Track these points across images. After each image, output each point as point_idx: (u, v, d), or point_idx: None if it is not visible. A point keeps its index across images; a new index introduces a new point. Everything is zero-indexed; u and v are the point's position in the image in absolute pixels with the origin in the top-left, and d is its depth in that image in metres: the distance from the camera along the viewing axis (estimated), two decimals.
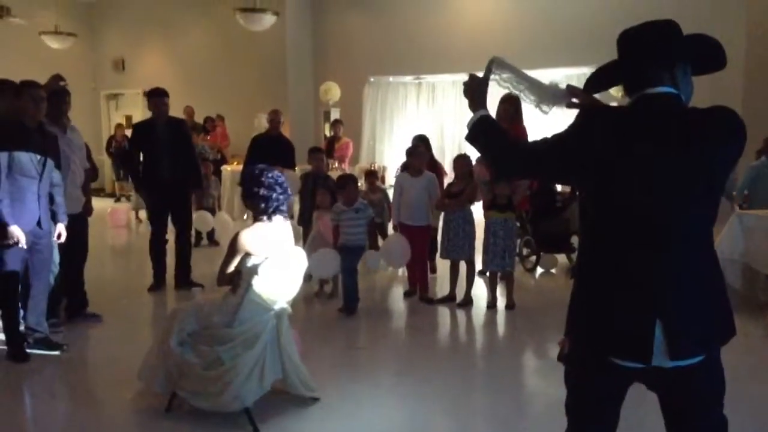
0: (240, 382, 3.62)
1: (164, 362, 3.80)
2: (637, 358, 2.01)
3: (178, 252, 6.79)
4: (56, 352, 4.93)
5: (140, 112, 14.97)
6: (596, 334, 2.08)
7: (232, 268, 3.83)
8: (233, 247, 3.81)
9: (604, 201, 2.06)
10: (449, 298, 6.41)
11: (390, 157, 12.38)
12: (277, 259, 3.79)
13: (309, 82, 13.56)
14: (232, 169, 11.35)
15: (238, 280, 3.82)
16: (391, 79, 12.87)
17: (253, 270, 3.75)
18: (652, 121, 2.02)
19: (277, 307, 3.84)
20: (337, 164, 10.33)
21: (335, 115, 13.05)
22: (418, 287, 6.53)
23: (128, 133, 14.09)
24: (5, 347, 4.89)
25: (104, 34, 15.79)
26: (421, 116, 12.72)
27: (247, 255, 3.79)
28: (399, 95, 12.95)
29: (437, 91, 12.66)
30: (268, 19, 10.94)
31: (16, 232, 4.56)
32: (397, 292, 6.89)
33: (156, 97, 6.63)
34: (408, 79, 12.78)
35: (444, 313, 6.22)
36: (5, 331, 4.86)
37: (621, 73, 2.17)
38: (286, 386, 3.96)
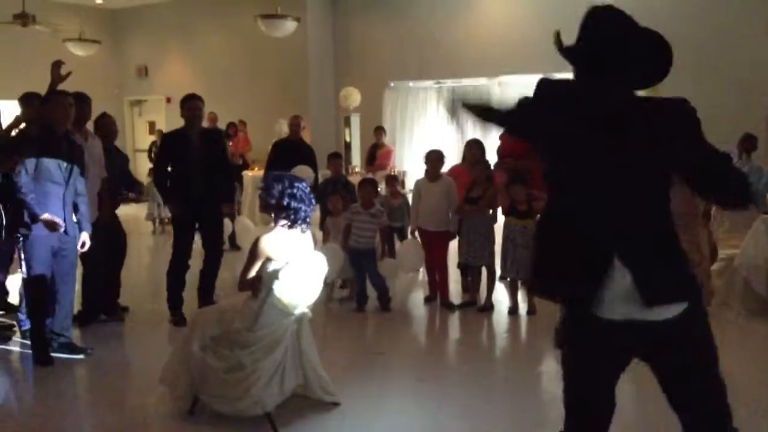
0: (261, 387, 3.64)
1: (186, 366, 3.83)
2: (592, 281, 2.09)
3: (205, 271, 6.04)
4: (80, 356, 4.98)
5: (163, 118, 15.14)
6: (552, 268, 2.22)
7: (253, 272, 3.85)
8: (254, 252, 3.83)
9: (560, 167, 2.23)
10: (470, 304, 6.40)
11: (410, 162, 12.38)
12: (297, 264, 3.80)
13: (329, 87, 13.61)
14: (253, 174, 11.42)
15: (259, 284, 3.84)
16: (411, 84, 12.88)
17: (274, 275, 3.77)
18: (604, 103, 2.15)
19: (297, 312, 3.86)
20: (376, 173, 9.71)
21: (355, 120, 13.08)
22: (439, 292, 6.52)
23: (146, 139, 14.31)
24: (29, 351, 4.96)
25: (128, 41, 15.98)
26: (442, 121, 12.70)
27: (268, 260, 3.82)
28: (419, 100, 12.95)
29: (457, 96, 12.63)
30: (290, 25, 11.01)
31: (51, 217, 4.63)
32: (417, 298, 6.89)
33: (190, 101, 5.93)
34: (428, 83, 12.78)
35: (465, 318, 6.20)
36: (32, 335, 4.92)
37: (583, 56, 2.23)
38: (306, 391, 3.98)
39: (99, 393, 4.58)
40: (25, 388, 4.69)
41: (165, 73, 15.53)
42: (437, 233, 6.40)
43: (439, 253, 6.45)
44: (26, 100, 5.42)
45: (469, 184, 6.37)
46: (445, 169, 6.63)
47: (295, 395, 3.91)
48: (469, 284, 6.57)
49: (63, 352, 4.95)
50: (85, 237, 5.00)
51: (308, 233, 4.00)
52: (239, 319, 3.85)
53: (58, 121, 4.75)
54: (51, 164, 4.67)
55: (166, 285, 6.02)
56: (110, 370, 4.90)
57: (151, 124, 15.16)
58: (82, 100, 5.42)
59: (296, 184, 3.88)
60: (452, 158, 8.61)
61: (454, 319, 6.22)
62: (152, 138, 13.98)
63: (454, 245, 6.67)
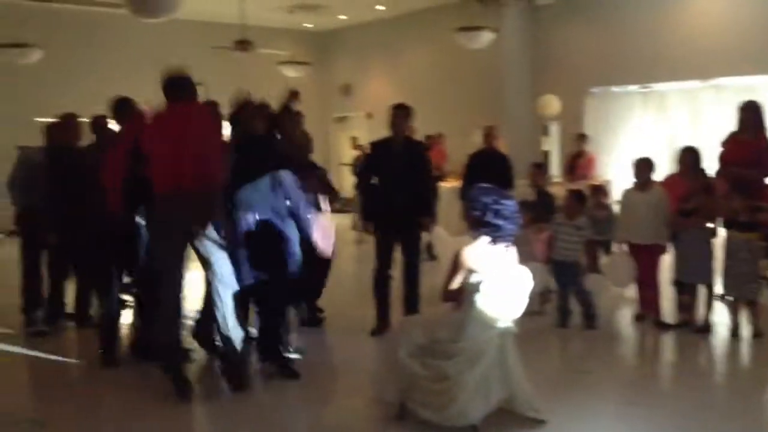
0: (466, 398, 3.63)
1: (394, 372, 3.92)
2: None
3: (407, 281, 6.00)
4: (297, 356, 5.24)
5: (365, 134, 15.79)
6: None
7: (456, 284, 3.86)
8: (457, 263, 3.84)
9: None
10: (686, 324, 5.93)
11: (613, 171, 11.81)
12: (500, 277, 3.75)
13: (527, 96, 13.39)
14: (448, 185, 11.52)
15: (461, 296, 3.84)
16: (615, 89, 12.31)
17: (476, 287, 3.75)
18: None
19: (501, 325, 3.80)
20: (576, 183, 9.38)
21: (554, 128, 12.74)
22: (650, 311, 6.12)
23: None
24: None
25: (333, 61, 16.90)
26: (649, 127, 11.99)
27: (471, 271, 3.80)
28: (623, 106, 12.33)
29: (666, 101, 11.86)
30: (487, 36, 11.01)
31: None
32: (626, 315, 6.52)
33: (397, 110, 5.97)
34: (633, 88, 12.13)
35: (679, 340, 5.76)
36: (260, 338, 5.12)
37: None
38: (511, 406, 3.90)
39: (310, 393, 4.79)
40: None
41: (367, 90, 16.22)
42: (647, 247, 6.01)
43: (649, 268, 6.06)
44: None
45: (683, 195, 5.92)
46: (656, 177, 6.22)
47: (501, 409, 3.85)
48: (685, 303, 6.10)
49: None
50: None
51: (512, 248, 3.93)
52: (443, 329, 3.87)
53: (288, 133, 5.14)
54: (288, 177, 4.83)
55: (373, 295, 6.09)
56: (319, 372, 5.10)
57: (354, 139, 15.86)
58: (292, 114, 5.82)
59: (503, 201, 3.83)
60: (663, 166, 8.08)
61: (668, 340, 5.81)
62: (355, 153, 14.62)
63: (667, 260, 6.23)
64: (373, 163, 6.12)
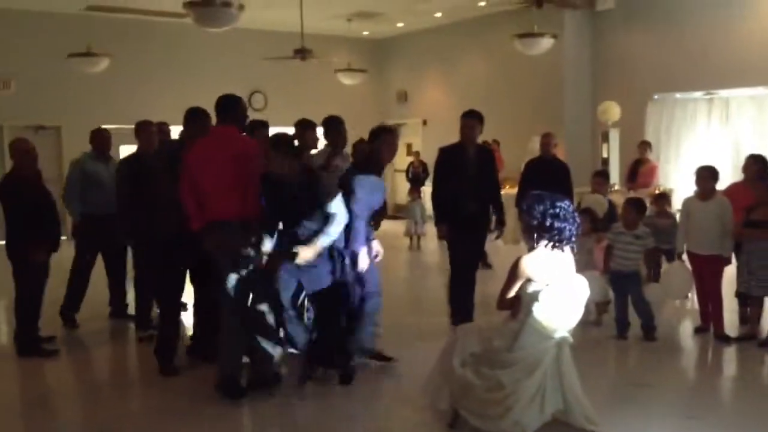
0: (521, 408, 3.60)
1: (447, 381, 3.92)
2: None
3: (455, 291, 6.07)
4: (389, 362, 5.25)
5: (420, 140, 15.82)
6: None
7: (512, 293, 3.84)
8: (514, 272, 3.82)
9: None
10: (749, 338, 5.75)
11: (676, 179, 11.52)
12: (558, 286, 3.71)
13: (586, 102, 13.21)
14: (505, 192, 11.41)
15: (518, 305, 3.82)
16: (678, 95, 12.01)
17: (534, 296, 3.72)
18: None
19: (557, 335, 3.76)
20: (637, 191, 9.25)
21: (614, 135, 12.50)
22: (712, 323, 5.95)
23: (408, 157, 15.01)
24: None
25: (389, 68, 16.98)
26: (713, 135, 11.66)
27: (528, 281, 3.77)
28: (687, 113, 12.02)
29: (731, 107, 11.52)
30: (546, 43, 10.88)
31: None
32: (686, 328, 6.36)
33: (466, 118, 5.96)
34: (698, 95, 11.81)
35: (742, 353, 5.59)
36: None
37: None
38: (567, 417, 3.84)
39: (363, 399, 4.82)
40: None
41: (423, 97, 16.23)
42: (709, 258, 5.86)
43: (711, 279, 5.90)
44: (301, 125, 5.90)
45: (749, 204, 5.75)
46: (720, 186, 6.06)
47: (556, 420, 3.80)
48: (749, 315, 5.92)
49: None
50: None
51: (570, 256, 3.88)
52: (498, 338, 3.85)
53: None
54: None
55: (448, 298, 6.13)
56: (371, 379, 5.10)
57: (408, 146, 15.90)
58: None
59: (558, 204, 3.79)
60: (726, 175, 7.87)
61: (730, 354, 5.65)
62: (410, 159, 14.65)
63: (730, 271, 6.06)
64: (445, 168, 6.05)
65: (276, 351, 4.58)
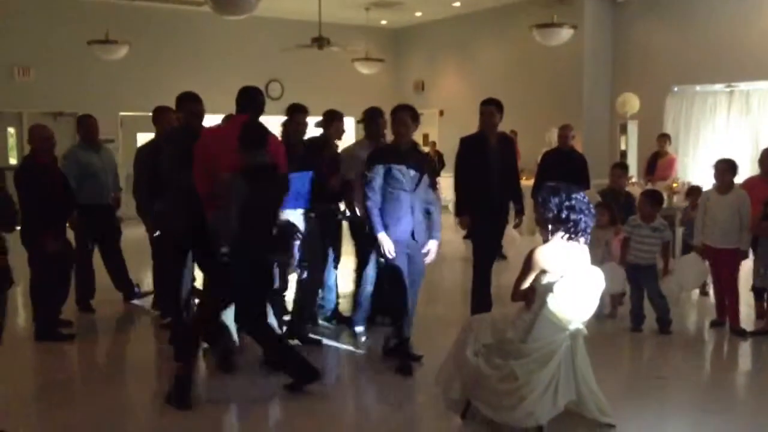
0: (534, 399, 3.60)
1: (460, 371, 3.92)
2: None
3: (479, 282, 5.94)
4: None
5: (436, 131, 15.78)
6: None
7: (527, 284, 3.83)
8: (529, 263, 3.81)
9: None
10: (765, 332, 5.71)
11: (694, 172, 11.42)
12: (573, 278, 3.70)
13: (605, 94, 13.11)
14: (522, 184, 11.36)
15: (532, 296, 3.81)
16: (698, 88, 11.89)
17: (549, 288, 3.71)
18: None
19: (572, 327, 3.76)
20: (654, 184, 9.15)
21: (632, 128, 12.41)
22: (728, 317, 5.91)
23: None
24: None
25: (407, 58, 16.93)
26: (733, 128, 11.54)
27: (543, 272, 3.77)
28: (707, 105, 11.90)
29: (752, 100, 11.39)
30: (565, 33, 10.78)
31: (384, 240, 4.83)
32: (702, 321, 6.32)
33: (485, 105, 5.84)
34: (718, 87, 11.69)
35: (757, 348, 5.56)
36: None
37: None
38: (580, 409, 3.85)
39: (377, 388, 4.86)
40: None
41: (440, 87, 16.18)
42: (726, 251, 5.81)
43: (727, 273, 5.85)
44: (329, 115, 5.87)
45: (767, 198, 5.69)
46: (738, 180, 6.00)
47: (569, 412, 3.80)
48: (765, 310, 5.87)
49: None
50: (432, 245, 5.04)
51: (585, 248, 3.87)
52: (512, 329, 3.85)
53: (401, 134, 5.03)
54: (399, 172, 4.86)
55: (473, 290, 6.00)
56: (385, 368, 5.06)
57: (425, 136, 15.85)
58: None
59: (574, 195, 3.78)
60: (745, 169, 7.79)
61: (745, 348, 5.61)
62: (426, 149, 14.62)
63: (747, 265, 6.01)
64: (467, 159, 5.91)
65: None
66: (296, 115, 5.61)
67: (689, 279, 6.12)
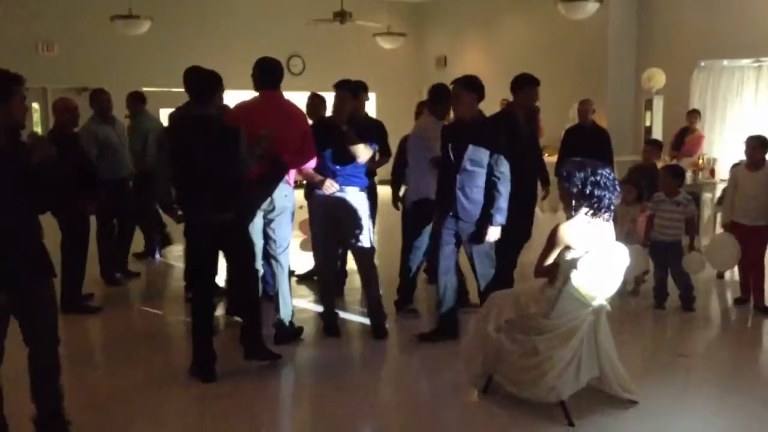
0: (556, 374, 3.62)
1: (482, 346, 3.94)
2: None
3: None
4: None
5: None
6: None
7: (550, 260, 3.82)
8: (553, 240, 3.80)
9: None
10: None
11: (721, 149, 11.24)
12: (597, 254, 3.69)
13: (630, 69, 12.90)
14: (545, 160, 11.28)
15: (556, 272, 3.80)
16: (725, 62, 11.67)
17: (572, 264, 3.70)
18: None
19: (595, 303, 3.75)
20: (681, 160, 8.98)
21: (657, 103, 12.23)
22: (752, 295, 5.86)
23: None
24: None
25: (429, 32, 16.76)
26: (761, 103, 11.32)
27: (567, 248, 3.75)
28: (734, 80, 11.68)
29: None
30: (591, 6, 10.59)
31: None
32: (726, 298, 6.27)
33: (522, 79, 5.77)
34: (746, 62, 11.46)
35: None
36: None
37: None
38: (602, 385, 3.86)
39: (398, 361, 4.92)
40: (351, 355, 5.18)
41: (462, 62, 15.99)
42: (754, 228, 5.74)
43: (755, 250, 5.79)
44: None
45: None
46: None
47: (591, 387, 3.81)
48: None
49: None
50: (493, 232, 4.83)
51: (610, 224, 3.84)
52: (535, 305, 3.85)
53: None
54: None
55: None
56: (406, 343, 5.15)
57: None
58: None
59: (599, 171, 3.74)
60: None
61: None
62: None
63: None
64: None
65: None
66: (361, 94, 5.76)
67: (722, 258, 6.02)
